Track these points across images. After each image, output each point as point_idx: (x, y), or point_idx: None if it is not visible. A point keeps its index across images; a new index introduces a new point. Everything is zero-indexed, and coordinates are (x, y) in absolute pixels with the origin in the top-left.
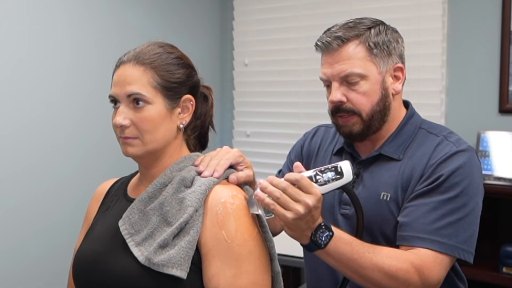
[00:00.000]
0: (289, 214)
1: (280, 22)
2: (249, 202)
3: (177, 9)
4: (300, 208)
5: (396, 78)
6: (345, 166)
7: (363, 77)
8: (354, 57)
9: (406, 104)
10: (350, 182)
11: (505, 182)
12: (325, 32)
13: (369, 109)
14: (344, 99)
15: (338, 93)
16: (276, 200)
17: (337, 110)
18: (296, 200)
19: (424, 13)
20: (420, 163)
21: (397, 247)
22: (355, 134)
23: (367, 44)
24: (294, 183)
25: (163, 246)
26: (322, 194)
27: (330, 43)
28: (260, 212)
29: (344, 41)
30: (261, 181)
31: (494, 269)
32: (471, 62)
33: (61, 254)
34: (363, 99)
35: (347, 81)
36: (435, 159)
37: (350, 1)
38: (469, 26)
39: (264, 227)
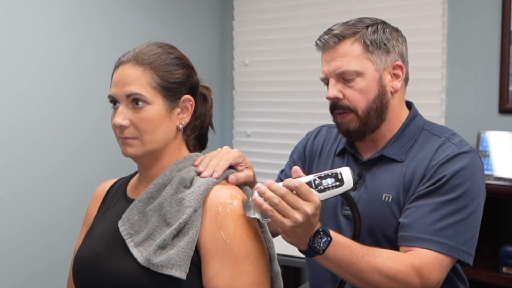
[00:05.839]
0: (287, 222)
1: (280, 22)
2: (246, 206)
3: (177, 9)
4: (299, 216)
5: (395, 76)
6: (346, 172)
7: (359, 74)
8: (350, 54)
9: (409, 104)
10: (350, 189)
11: (505, 182)
12: (325, 31)
13: (365, 106)
14: (340, 95)
15: (334, 90)
16: (275, 206)
17: (334, 106)
18: (294, 208)
19: (424, 13)
20: (422, 164)
21: (398, 248)
22: (351, 131)
23: (363, 41)
24: (293, 190)
25: (163, 246)
26: (321, 201)
27: (327, 41)
28: (256, 216)
29: (340, 38)
30: (259, 185)
31: (494, 269)
32: (471, 62)
33: (59, 253)
34: (359, 96)
35: (343, 78)
36: (437, 160)
37: (350, 1)
38: (469, 26)
39: (263, 227)
